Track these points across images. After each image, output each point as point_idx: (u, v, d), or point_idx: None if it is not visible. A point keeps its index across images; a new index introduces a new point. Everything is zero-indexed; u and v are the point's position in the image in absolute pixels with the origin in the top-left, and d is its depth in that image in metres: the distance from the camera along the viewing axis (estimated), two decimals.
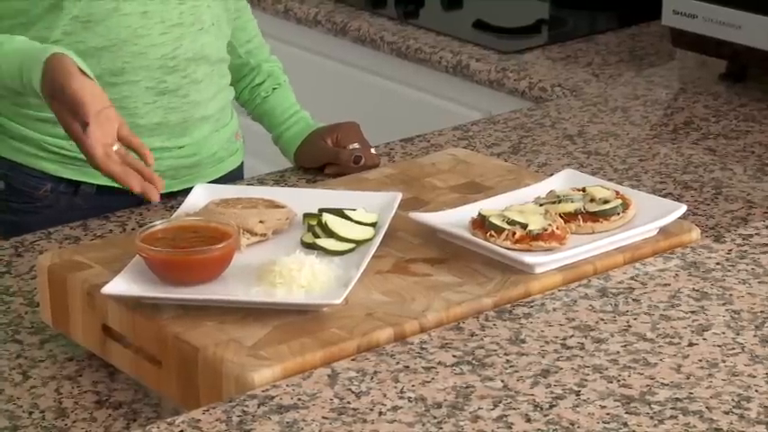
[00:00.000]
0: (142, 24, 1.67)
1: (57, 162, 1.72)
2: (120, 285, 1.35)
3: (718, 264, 1.47)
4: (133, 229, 1.67)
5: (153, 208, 1.74)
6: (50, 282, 1.43)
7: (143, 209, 1.74)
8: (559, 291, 1.41)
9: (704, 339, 1.31)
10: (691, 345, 1.30)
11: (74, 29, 1.65)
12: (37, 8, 1.65)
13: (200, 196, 1.57)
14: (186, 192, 1.61)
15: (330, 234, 1.45)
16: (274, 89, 1.92)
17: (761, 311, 1.36)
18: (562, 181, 1.61)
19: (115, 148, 1.48)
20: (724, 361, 1.27)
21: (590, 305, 1.38)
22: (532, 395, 1.21)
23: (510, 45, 2.57)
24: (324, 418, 1.17)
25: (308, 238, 1.46)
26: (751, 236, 1.55)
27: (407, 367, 1.25)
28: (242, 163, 1.91)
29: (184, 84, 1.73)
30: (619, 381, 1.23)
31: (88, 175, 1.72)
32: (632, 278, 1.43)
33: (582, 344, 1.30)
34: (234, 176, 1.87)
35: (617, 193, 1.54)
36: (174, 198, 1.76)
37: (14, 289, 1.57)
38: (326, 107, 2.90)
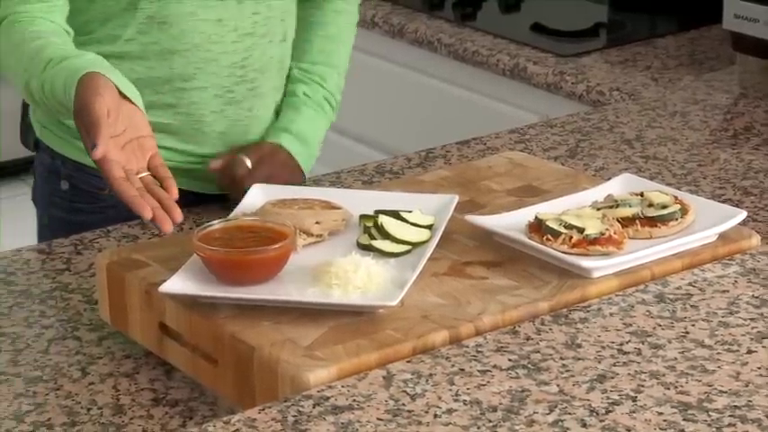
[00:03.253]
0: (216, 31, 1.68)
1: None
2: (177, 284, 1.36)
3: None
4: (190, 229, 1.68)
5: (209, 208, 1.75)
6: (109, 280, 1.45)
7: (200, 208, 1.75)
8: (616, 296, 1.40)
9: (763, 347, 1.30)
10: (750, 352, 1.29)
11: (148, 29, 1.66)
12: (113, 5, 1.66)
13: (257, 196, 1.58)
14: (245, 193, 1.62)
15: (386, 236, 1.45)
16: (298, 97, 1.82)
17: None
18: (620, 185, 1.60)
19: (142, 175, 1.46)
20: None
21: (647, 311, 1.37)
22: (588, 400, 1.20)
23: (568, 48, 2.56)
24: (378, 419, 1.18)
25: (364, 240, 1.46)
26: None
27: (463, 370, 1.25)
28: None
29: (250, 96, 1.74)
30: (676, 387, 1.22)
31: None
32: (690, 284, 1.42)
33: (639, 349, 1.29)
34: None
35: (675, 198, 1.53)
36: (229, 199, 1.77)
37: (74, 286, 1.59)
38: (382, 109, 2.91)
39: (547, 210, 1.51)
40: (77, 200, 1.78)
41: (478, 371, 1.25)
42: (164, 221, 1.39)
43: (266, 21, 1.72)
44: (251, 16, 1.71)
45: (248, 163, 1.71)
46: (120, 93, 1.47)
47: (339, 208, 1.52)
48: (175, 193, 1.44)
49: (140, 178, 1.43)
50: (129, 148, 1.45)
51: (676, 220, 1.49)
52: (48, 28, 1.59)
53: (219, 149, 1.75)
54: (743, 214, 1.52)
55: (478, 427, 1.16)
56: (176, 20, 1.66)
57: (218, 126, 1.73)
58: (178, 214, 1.41)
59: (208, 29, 1.68)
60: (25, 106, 1.86)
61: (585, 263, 1.41)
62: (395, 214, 1.48)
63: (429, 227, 1.49)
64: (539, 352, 1.29)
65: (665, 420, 1.17)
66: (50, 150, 1.79)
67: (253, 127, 1.77)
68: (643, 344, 1.30)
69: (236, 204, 1.57)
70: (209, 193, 1.78)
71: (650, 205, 1.51)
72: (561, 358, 1.28)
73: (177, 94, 1.69)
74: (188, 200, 1.74)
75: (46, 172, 1.80)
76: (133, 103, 1.49)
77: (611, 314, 1.36)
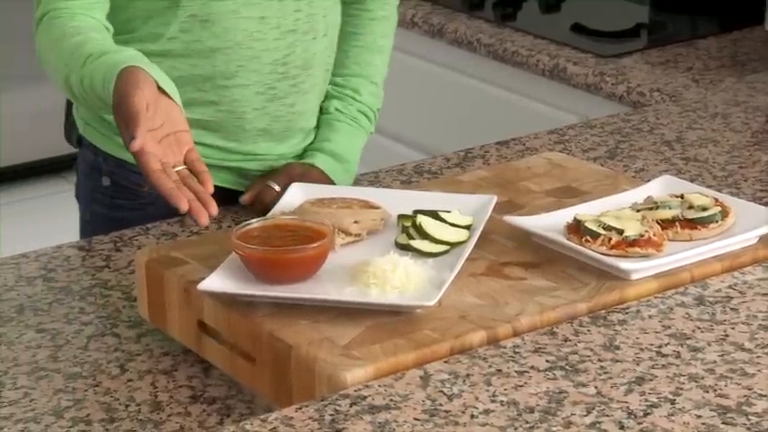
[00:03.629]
0: (259, 29, 1.69)
1: None
2: (215, 282, 1.37)
3: None
4: (229, 227, 1.69)
5: (249, 206, 1.76)
6: (148, 277, 1.46)
7: (239, 206, 1.76)
8: (655, 298, 1.39)
9: None
10: None
11: (191, 27, 1.67)
12: (155, 4, 1.67)
13: (296, 195, 1.58)
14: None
15: (424, 236, 1.45)
16: (337, 113, 1.82)
17: None
18: (660, 187, 1.59)
19: (178, 168, 1.46)
20: None
21: (686, 313, 1.36)
22: (626, 402, 1.20)
23: (608, 49, 2.55)
24: (415, 419, 1.18)
25: (403, 240, 1.47)
26: None
27: (500, 371, 1.25)
28: None
29: (292, 92, 1.74)
30: (715, 390, 1.22)
31: None
32: (730, 287, 1.42)
33: (678, 352, 1.29)
34: None
35: (716, 200, 1.52)
36: None
37: (113, 283, 1.60)
38: (421, 109, 2.91)
39: (586, 211, 1.50)
40: (118, 196, 1.79)
41: (516, 372, 1.25)
42: (200, 213, 1.39)
43: (308, 18, 1.73)
44: (293, 13, 1.71)
45: (277, 188, 1.72)
46: (159, 88, 1.48)
47: (378, 207, 1.52)
48: (211, 187, 1.44)
49: (177, 172, 1.44)
50: (165, 143, 1.46)
51: (716, 222, 1.48)
52: (88, 24, 1.60)
53: (260, 146, 1.75)
54: None
55: (515, 428, 1.16)
56: (219, 18, 1.67)
57: (260, 123, 1.74)
58: (214, 207, 1.41)
59: (250, 26, 1.68)
60: (69, 103, 1.88)
61: (624, 265, 1.40)
62: (433, 214, 1.48)
63: (467, 227, 1.48)
64: (576, 353, 1.28)
65: (703, 423, 1.16)
66: (93, 147, 1.80)
67: (295, 123, 1.77)
68: (682, 346, 1.30)
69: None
70: None
71: (690, 207, 1.51)
72: (599, 360, 1.27)
73: (219, 91, 1.70)
74: (227, 197, 1.75)
75: (88, 168, 1.82)
76: (171, 98, 1.50)
77: (649, 316, 1.35)
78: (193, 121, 1.68)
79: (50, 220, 3.73)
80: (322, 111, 1.82)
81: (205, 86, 1.70)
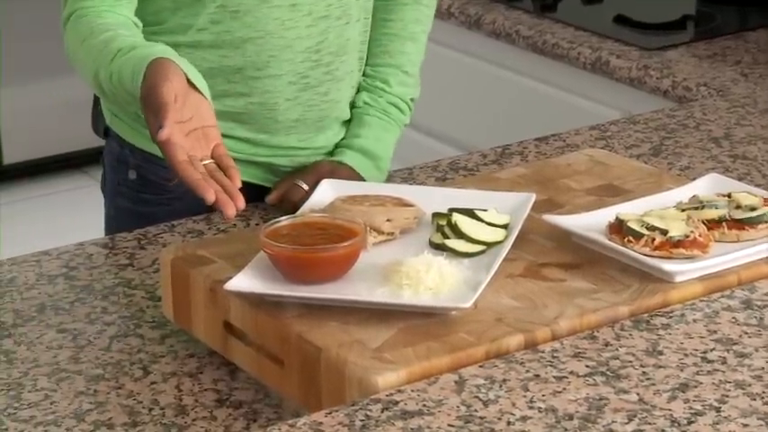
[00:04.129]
0: (290, 17, 1.69)
1: None
2: (243, 282, 1.38)
3: None
4: (257, 224, 1.70)
5: (276, 206, 1.77)
6: (173, 276, 1.47)
7: (267, 204, 1.77)
8: (700, 301, 1.39)
9: None
10: None
11: (221, 18, 1.68)
12: None
13: (327, 192, 1.59)
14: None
15: (460, 235, 1.45)
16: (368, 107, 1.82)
17: None
18: (706, 186, 1.59)
19: (206, 162, 1.48)
20: None
21: (733, 317, 1.36)
22: (670, 410, 1.20)
23: (653, 41, 2.55)
24: (450, 425, 1.18)
25: (437, 239, 1.47)
26: None
27: (538, 376, 1.25)
28: None
29: (326, 80, 1.75)
30: (763, 398, 1.22)
31: None
32: None
33: (724, 358, 1.29)
34: None
35: (765, 199, 1.52)
36: None
37: (137, 282, 1.61)
38: (457, 103, 2.91)
39: (628, 210, 1.50)
40: (145, 190, 1.80)
41: (554, 377, 1.25)
42: (227, 205, 1.41)
43: (340, 3, 1.73)
44: None
45: (305, 187, 1.72)
46: (189, 81, 1.50)
47: (411, 205, 1.52)
48: (239, 182, 1.46)
49: (204, 165, 1.46)
50: (193, 136, 1.47)
51: (765, 222, 1.48)
52: (116, 20, 1.62)
53: (292, 139, 1.76)
54: None
55: None
56: (249, 7, 1.67)
57: (293, 113, 1.75)
58: (241, 201, 1.42)
59: (282, 15, 1.69)
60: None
61: (668, 266, 1.40)
62: (469, 213, 1.49)
63: (504, 226, 1.49)
64: (618, 359, 1.28)
65: None
66: (119, 139, 1.81)
67: (329, 112, 1.77)
68: (728, 352, 1.29)
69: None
70: None
71: (738, 207, 1.50)
72: (641, 365, 1.27)
73: (250, 82, 1.70)
74: (256, 194, 1.76)
75: (114, 161, 1.83)
76: (201, 92, 1.51)
77: (694, 320, 1.35)
78: (224, 113, 1.69)
79: (72, 215, 3.76)
80: (352, 105, 1.83)
81: (236, 78, 1.71)
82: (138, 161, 1.79)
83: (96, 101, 1.89)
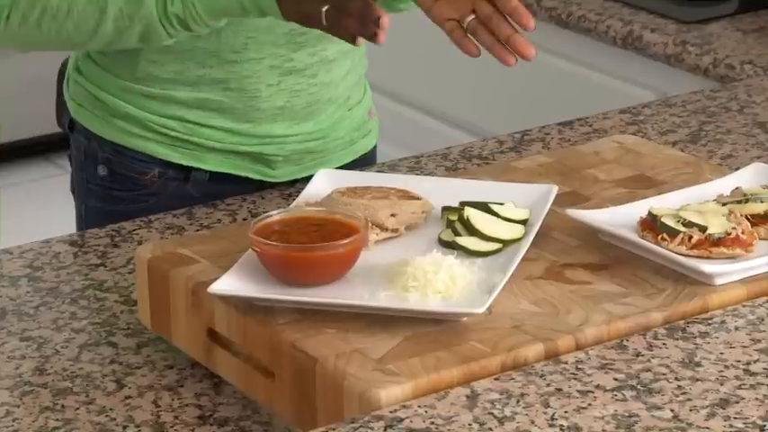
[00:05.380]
0: None
1: (166, 145, 1.76)
2: (229, 284, 1.38)
3: None
4: (245, 219, 1.71)
5: (268, 196, 1.77)
6: (150, 278, 1.47)
7: (256, 196, 1.77)
8: (743, 306, 1.40)
9: None
10: None
11: None
12: None
13: (323, 183, 1.59)
14: (309, 179, 1.63)
15: (473, 231, 1.46)
16: None
17: None
18: (750, 176, 1.60)
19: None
20: None
21: None
22: (708, 428, 1.20)
23: (692, 13, 2.55)
24: None
25: (447, 236, 1.48)
26: None
27: (560, 390, 1.26)
28: (375, 145, 1.93)
29: (313, 63, 1.76)
30: None
31: (201, 161, 1.76)
32: None
33: None
34: (366, 161, 1.89)
35: None
36: (293, 185, 1.79)
37: (109, 284, 1.62)
38: (470, 84, 2.92)
39: (663, 204, 1.51)
40: (116, 187, 1.80)
41: (578, 391, 1.26)
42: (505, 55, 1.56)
43: None
44: None
45: None
46: None
47: (418, 198, 1.53)
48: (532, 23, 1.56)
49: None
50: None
51: None
52: None
53: (278, 127, 1.76)
54: None
55: None
56: None
57: (277, 100, 1.75)
58: (530, 49, 1.59)
59: None
60: (60, 82, 1.89)
61: (707, 267, 1.41)
62: (483, 207, 1.49)
63: (523, 222, 1.49)
64: (650, 371, 1.29)
65: None
66: (86, 131, 1.82)
67: (318, 95, 1.78)
68: None
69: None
70: (268, 180, 1.80)
71: None
72: (676, 379, 1.28)
73: (227, 66, 1.71)
74: (244, 187, 1.76)
75: (82, 156, 1.83)
76: None
77: (736, 328, 1.36)
78: (199, 101, 1.70)
79: (41, 209, 3.77)
80: None
81: (211, 62, 1.71)
82: (108, 154, 1.79)
83: (60, 91, 1.89)
